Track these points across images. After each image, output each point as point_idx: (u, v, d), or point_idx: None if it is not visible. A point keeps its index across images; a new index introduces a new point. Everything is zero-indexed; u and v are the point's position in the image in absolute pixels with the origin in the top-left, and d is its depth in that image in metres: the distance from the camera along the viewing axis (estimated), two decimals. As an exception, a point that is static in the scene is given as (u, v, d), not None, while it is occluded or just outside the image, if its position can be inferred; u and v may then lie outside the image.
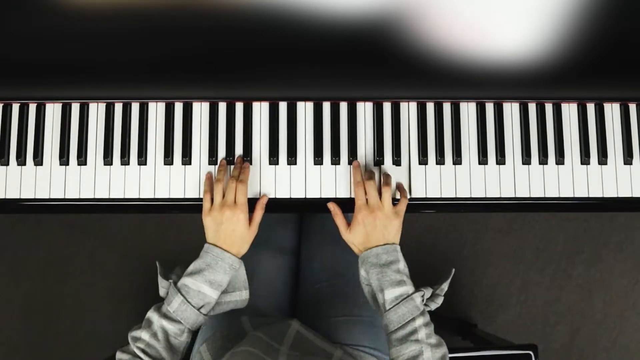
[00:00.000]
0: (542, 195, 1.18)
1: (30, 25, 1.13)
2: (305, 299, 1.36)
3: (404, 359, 0.99)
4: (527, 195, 1.18)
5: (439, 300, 1.08)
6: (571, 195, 1.18)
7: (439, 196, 1.18)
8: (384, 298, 1.02)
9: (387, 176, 1.15)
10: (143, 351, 0.99)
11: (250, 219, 1.10)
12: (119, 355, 1.01)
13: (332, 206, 1.13)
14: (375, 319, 1.24)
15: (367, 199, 1.09)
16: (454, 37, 1.14)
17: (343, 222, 1.11)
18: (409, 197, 1.17)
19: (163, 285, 1.06)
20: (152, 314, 1.03)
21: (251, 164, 1.17)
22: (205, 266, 1.04)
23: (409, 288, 1.02)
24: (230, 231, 1.07)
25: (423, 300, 1.04)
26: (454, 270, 1.10)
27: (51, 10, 1.12)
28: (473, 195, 1.18)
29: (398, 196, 1.16)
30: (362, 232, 1.07)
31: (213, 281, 1.04)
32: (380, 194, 1.10)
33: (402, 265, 1.05)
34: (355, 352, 1.18)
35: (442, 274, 1.10)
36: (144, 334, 1.01)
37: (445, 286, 1.08)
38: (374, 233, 1.06)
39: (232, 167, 1.17)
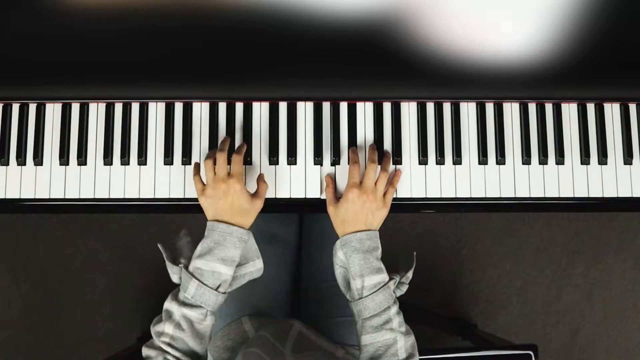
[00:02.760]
0: (542, 195, 1.18)
1: (30, 25, 1.13)
2: (306, 299, 1.36)
3: (377, 347, 0.99)
4: (527, 195, 1.18)
5: (404, 288, 1.08)
6: (571, 195, 1.18)
7: (439, 196, 1.18)
8: (362, 284, 1.02)
9: (387, 162, 1.15)
10: (169, 345, 0.96)
11: (255, 194, 1.08)
12: (145, 351, 0.98)
13: (327, 178, 1.15)
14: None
15: (361, 181, 1.09)
16: (454, 37, 1.14)
17: (332, 195, 1.12)
18: (409, 196, 1.17)
19: (174, 272, 1.02)
20: (170, 304, 0.99)
21: (251, 164, 1.17)
22: (214, 245, 1.01)
23: (385, 276, 1.03)
24: (229, 204, 1.04)
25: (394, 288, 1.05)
26: (415, 253, 1.11)
27: (51, 10, 1.12)
28: (473, 195, 1.18)
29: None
30: (349, 211, 1.07)
31: (225, 258, 1.01)
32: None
33: (380, 251, 1.06)
34: (357, 352, 1.18)
35: (405, 260, 1.11)
36: (167, 327, 0.97)
37: (410, 274, 1.08)
38: (360, 215, 1.06)
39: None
